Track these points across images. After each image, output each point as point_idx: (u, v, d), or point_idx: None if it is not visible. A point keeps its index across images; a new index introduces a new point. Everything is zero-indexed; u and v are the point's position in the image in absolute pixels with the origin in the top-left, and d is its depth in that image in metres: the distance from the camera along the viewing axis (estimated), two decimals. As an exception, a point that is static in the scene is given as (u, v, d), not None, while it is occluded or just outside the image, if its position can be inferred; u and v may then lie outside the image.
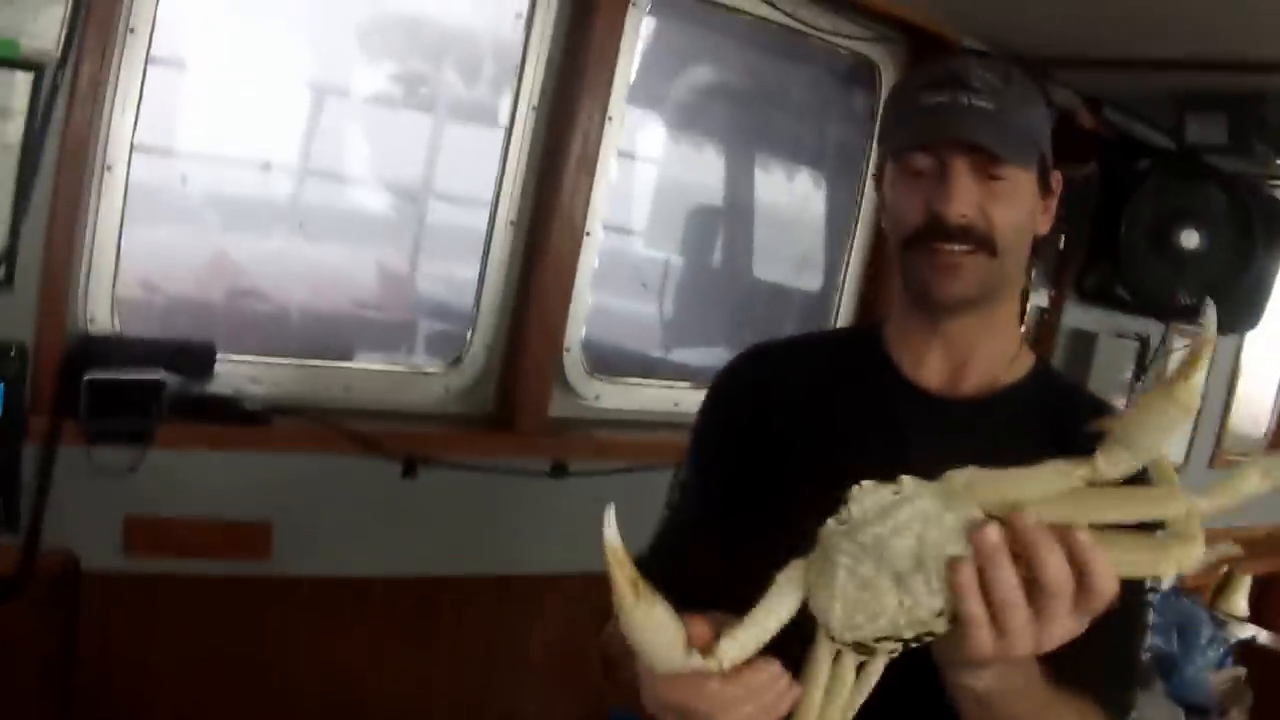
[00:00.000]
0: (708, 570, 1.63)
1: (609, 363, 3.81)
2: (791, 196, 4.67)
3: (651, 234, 4.59)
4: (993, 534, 1.20)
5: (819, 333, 2.50)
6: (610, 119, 3.51)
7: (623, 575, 1.27)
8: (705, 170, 4.55)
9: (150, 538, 2.90)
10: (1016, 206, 1.76)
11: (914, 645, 1.28)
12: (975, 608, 1.22)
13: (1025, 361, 1.91)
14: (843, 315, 4.38)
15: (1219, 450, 6.44)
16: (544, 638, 3.44)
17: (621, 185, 3.75)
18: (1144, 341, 5.24)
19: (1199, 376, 1.22)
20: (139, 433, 2.80)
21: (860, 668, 1.32)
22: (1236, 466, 1.24)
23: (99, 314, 2.89)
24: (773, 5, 3.76)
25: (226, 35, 3.20)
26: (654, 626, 1.29)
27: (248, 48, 3.28)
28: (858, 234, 4.37)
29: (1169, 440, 1.24)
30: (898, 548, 1.23)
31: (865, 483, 1.26)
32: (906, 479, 1.25)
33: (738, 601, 1.36)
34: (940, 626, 1.25)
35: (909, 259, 1.80)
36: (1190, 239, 4.64)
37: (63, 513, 2.75)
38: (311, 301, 3.56)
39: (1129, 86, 4.37)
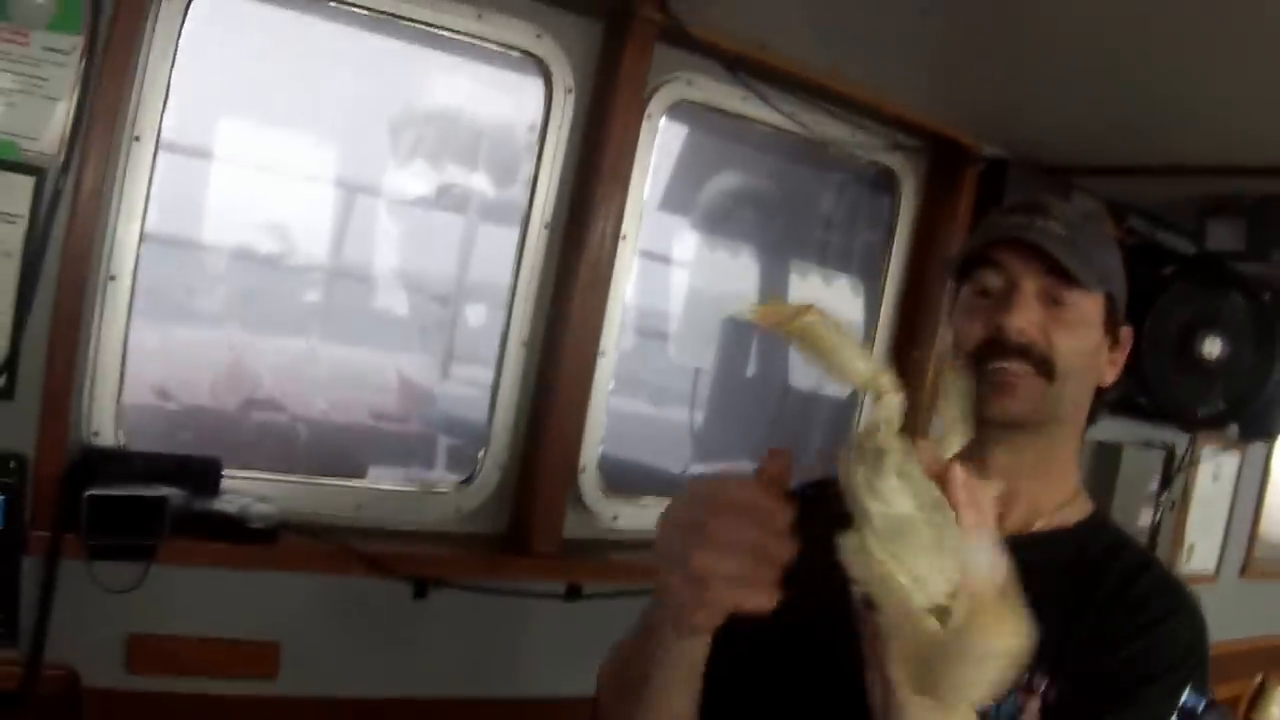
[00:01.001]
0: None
1: (628, 481, 3.69)
2: (827, 304, 4.60)
3: (683, 342, 4.53)
4: None
5: None
6: (624, 237, 3.42)
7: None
8: (739, 277, 4.49)
9: (153, 656, 2.80)
10: (1079, 334, 1.75)
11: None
12: None
13: (1078, 510, 1.85)
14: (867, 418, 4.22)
15: (1250, 560, 6.32)
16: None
17: (655, 293, 3.65)
18: (1169, 451, 5.14)
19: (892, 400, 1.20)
20: (142, 549, 2.70)
21: None
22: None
23: (102, 426, 2.80)
24: (791, 118, 3.69)
25: (255, 130, 3.16)
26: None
27: (276, 143, 3.24)
28: (878, 339, 4.26)
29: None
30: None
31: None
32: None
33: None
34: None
35: (972, 380, 1.77)
36: (1213, 347, 4.54)
37: (64, 628, 2.65)
38: (327, 414, 3.49)
39: (1151, 194, 4.31)
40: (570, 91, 3.32)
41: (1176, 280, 4.54)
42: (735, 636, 1.38)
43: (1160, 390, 4.63)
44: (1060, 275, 1.72)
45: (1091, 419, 1.89)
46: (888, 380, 1.21)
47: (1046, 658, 1.36)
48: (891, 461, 1.16)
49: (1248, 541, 6.30)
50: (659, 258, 3.72)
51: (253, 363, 3.36)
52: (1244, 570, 6.28)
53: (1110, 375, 1.86)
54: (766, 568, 1.26)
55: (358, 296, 3.64)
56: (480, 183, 3.72)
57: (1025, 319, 1.71)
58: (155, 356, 2.89)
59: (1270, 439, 5.38)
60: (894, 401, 1.19)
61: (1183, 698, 1.66)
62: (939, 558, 1.14)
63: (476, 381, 3.74)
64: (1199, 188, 4.04)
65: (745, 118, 3.69)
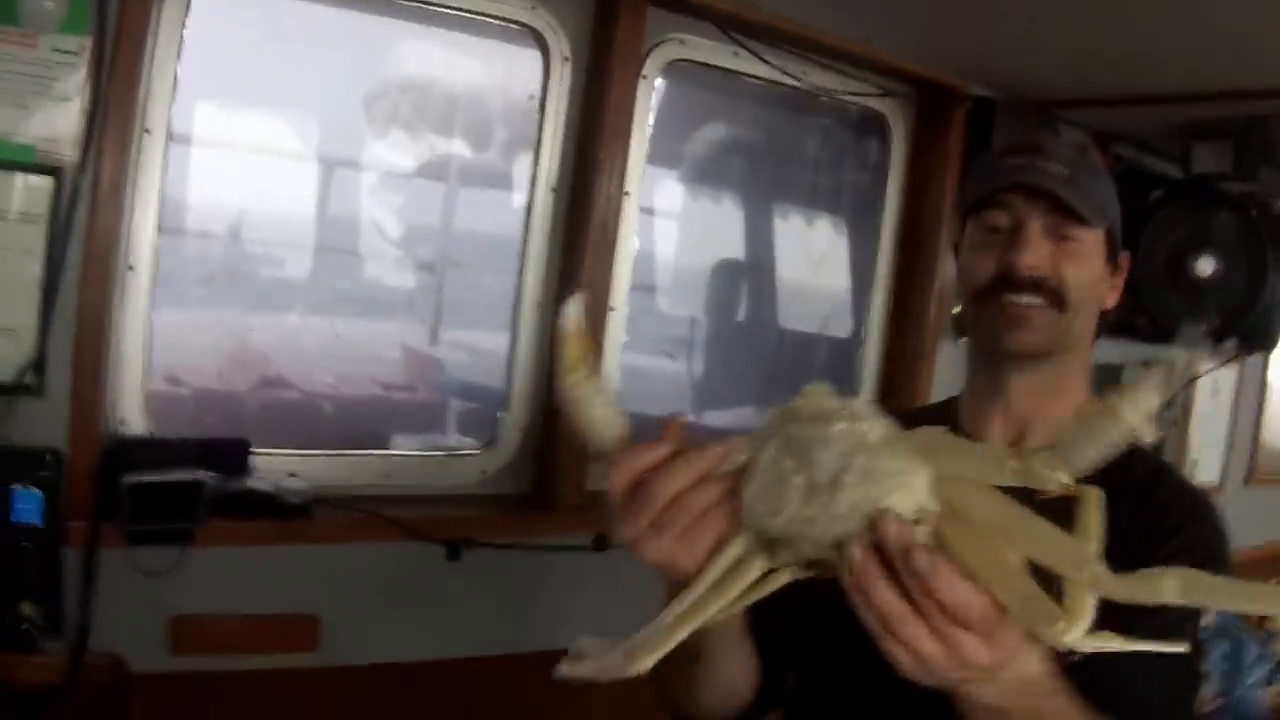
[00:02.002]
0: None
1: (643, 431, 3.68)
2: (812, 246, 4.60)
3: (675, 293, 4.54)
4: (859, 556, 1.17)
5: (905, 410, 2.47)
6: (628, 194, 3.45)
7: (574, 350, 1.30)
8: (726, 226, 4.49)
9: (196, 637, 2.82)
10: (1087, 266, 1.80)
11: (814, 575, 1.24)
12: (863, 612, 1.19)
13: None
14: (870, 360, 4.29)
15: (1254, 469, 6.35)
16: (599, 707, 3.33)
17: (643, 246, 3.66)
18: (1172, 374, 5.14)
19: (1150, 401, 1.15)
20: (180, 532, 2.73)
21: (763, 578, 1.26)
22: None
23: (130, 415, 2.82)
24: (782, 70, 3.69)
25: (233, 116, 3.15)
26: (592, 404, 1.32)
27: (256, 128, 3.23)
28: (878, 281, 4.28)
29: (1101, 455, 1.15)
30: (820, 458, 1.19)
31: (821, 386, 1.25)
32: (860, 402, 1.23)
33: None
34: (835, 560, 1.20)
35: (980, 311, 1.85)
36: (1205, 266, 4.55)
37: (108, 616, 2.67)
38: (339, 387, 3.50)
39: (1135, 122, 4.33)
40: (567, 60, 3.34)
41: (1166, 204, 4.55)
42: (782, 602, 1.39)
43: (1157, 311, 4.65)
44: (1064, 213, 1.77)
45: (1098, 334, 1.94)
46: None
47: None
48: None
49: (1250, 451, 6.33)
50: (645, 210, 3.71)
51: (255, 342, 3.36)
52: (1248, 479, 6.31)
53: (1112, 299, 1.91)
54: (708, 515, 1.26)
55: (348, 269, 3.64)
56: (460, 149, 3.71)
57: (1035, 255, 1.76)
58: (161, 344, 2.88)
59: (1266, 351, 5.39)
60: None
61: None
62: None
63: (471, 345, 3.75)
64: (1182, 113, 4.07)
65: (738, 73, 3.70)
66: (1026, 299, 1.76)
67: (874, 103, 4.08)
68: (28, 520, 2.52)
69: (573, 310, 1.30)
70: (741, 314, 4.63)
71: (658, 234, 4.39)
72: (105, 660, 2.68)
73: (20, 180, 2.53)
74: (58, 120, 2.54)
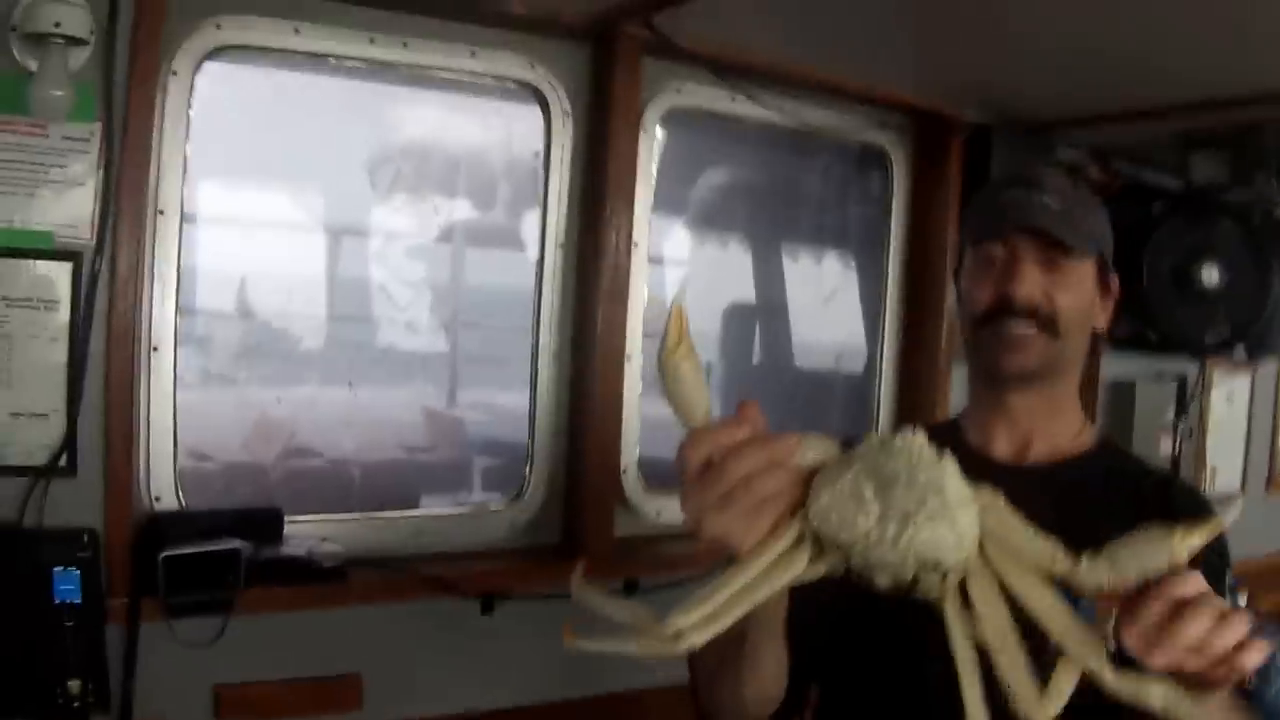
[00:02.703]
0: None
1: (667, 477, 3.71)
2: (822, 284, 4.63)
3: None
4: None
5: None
6: (636, 245, 3.49)
7: (677, 328, 1.33)
8: (735, 270, 4.51)
9: (240, 704, 2.84)
10: (1077, 293, 1.93)
11: (855, 581, 1.35)
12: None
13: (1090, 436, 2.04)
14: (884, 394, 4.31)
15: (1273, 475, 6.33)
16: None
17: (653, 294, 3.68)
18: (1181, 381, 5.16)
19: (1198, 541, 1.27)
20: (218, 602, 2.74)
21: (807, 568, 1.36)
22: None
23: (163, 491, 2.85)
24: (779, 110, 3.74)
25: (239, 192, 3.18)
26: (686, 380, 1.34)
27: (263, 202, 3.26)
28: (888, 312, 4.31)
29: (1146, 573, 1.28)
30: (899, 494, 1.30)
31: (920, 435, 1.34)
32: (949, 459, 1.33)
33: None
34: (880, 584, 1.34)
35: (979, 337, 1.97)
36: (1211, 275, 4.58)
37: (152, 688, 2.69)
38: (364, 452, 3.52)
39: (1132, 137, 4.34)
40: (568, 115, 3.38)
41: (1168, 216, 4.58)
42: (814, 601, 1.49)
43: (1165, 323, 4.67)
44: (1057, 245, 1.89)
45: (1094, 356, 2.03)
46: None
47: None
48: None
49: (1269, 457, 6.31)
50: (654, 260, 3.74)
51: (277, 413, 3.38)
52: (1269, 485, 6.29)
53: (1103, 321, 2.03)
54: (761, 476, 1.31)
55: (363, 336, 3.66)
56: (467, 210, 3.74)
57: (1029, 285, 1.88)
58: (185, 420, 2.91)
59: (1277, 356, 5.39)
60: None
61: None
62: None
63: (488, 404, 3.77)
64: (1178, 125, 4.07)
65: (736, 118, 3.74)
66: (1022, 327, 1.88)
67: (872, 137, 4.12)
68: (69, 599, 2.55)
69: (680, 293, 1.37)
70: (756, 356, 4.65)
71: (668, 281, 4.41)
72: None
73: (40, 267, 2.58)
74: (73, 206, 2.59)
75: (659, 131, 3.55)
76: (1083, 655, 1.28)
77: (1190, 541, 1.27)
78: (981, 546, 1.34)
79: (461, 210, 3.68)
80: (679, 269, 4.44)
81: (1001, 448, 2.00)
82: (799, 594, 1.47)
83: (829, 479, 1.33)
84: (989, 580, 1.34)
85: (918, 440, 1.34)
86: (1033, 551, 1.32)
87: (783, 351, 4.74)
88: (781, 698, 1.84)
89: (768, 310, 4.66)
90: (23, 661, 2.54)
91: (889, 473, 1.31)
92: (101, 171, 2.61)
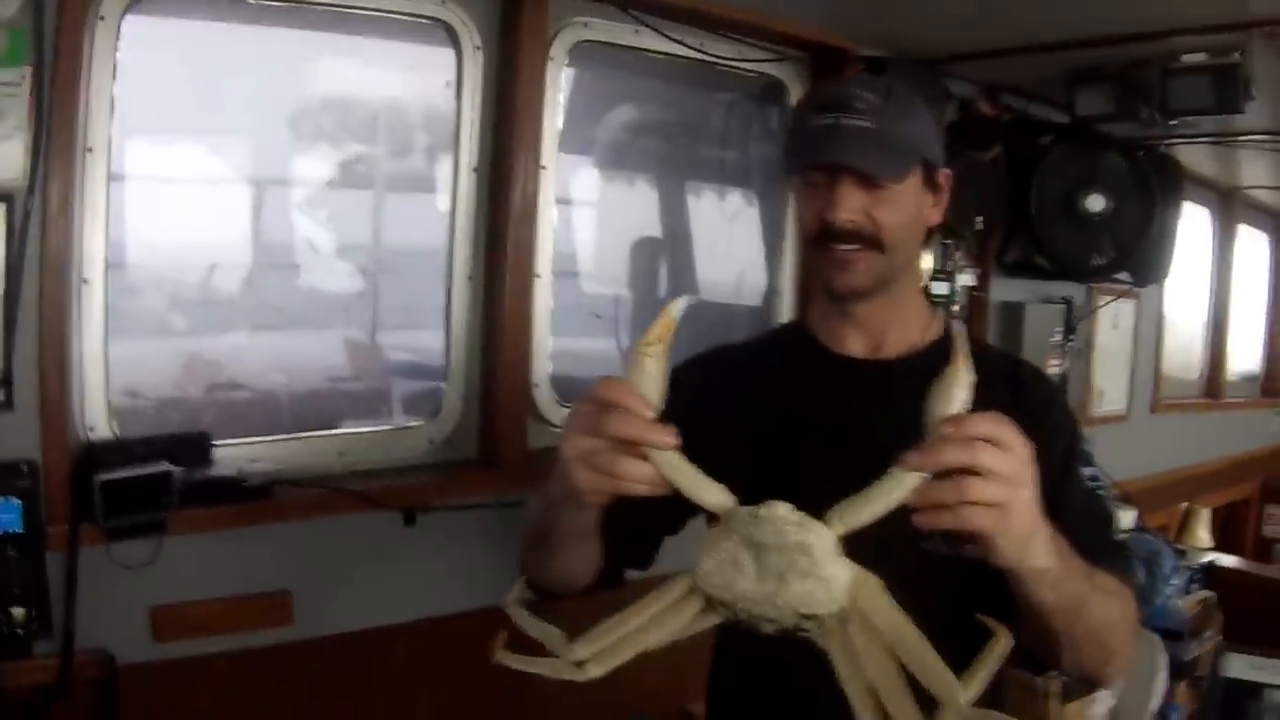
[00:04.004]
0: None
1: (578, 391, 3.80)
2: (724, 217, 4.72)
3: (598, 273, 4.61)
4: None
5: (750, 337, 2.65)
6: (544, 167, 3.56)
7: (660, 327, 1.50)
8: (642, 205, 4.58)
9: (177, 623, 2.89)
10: (899, 209, 1.94)
11: (745, 622, 1.51)
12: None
13: (938, 326, 2.11)
14: (785, 317, 4.42)
15: (1157, 397, 6.56)
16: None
17: (563, 230, 3.77)
18: (1069, 303, 5.34)
19: (963, 381, 1.45)
20: (153, 524, 2.79)
21: (699, 614, 1.55)
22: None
23: (97, 422, 2.88)
24: (681, 43, 3.81)
25: (163, 144, 3.21)
26: (646, 373, 1.50)
27: (186, 152, 3.29)
28: (788, 243, 4.44)
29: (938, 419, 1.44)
30: (771, 557, 1.46)
31: (784, 505, 1.46)
32: (818, 529, 1.45)
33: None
34: (766, 629, 1.50)
35: (812, 258, 2.02)
36: (1096, 203, 4.74)
37: (92, 612, 2.74)
38: (290, 384, 3.57)
39: (1021, 71, 4.45)
40: (479, 49, 3.44)
41: (1054, 147, 4.72)
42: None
43: (1053, 248, 4.83)
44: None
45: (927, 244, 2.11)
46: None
47: None
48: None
49: (1153, 380, 6.53)
50: (563, 201, 3.82)
51: (205, 352, 3.42)
52: (1153, 407, 6.51)
53: (935, 217, 2.05)
54: (629, 458, 1.48)
55: (285, 282, 3.70)
56: (384, 155, 3.78)
57: (848, 208, 1.89)
58: (118, 360, 2.96)
59: (1159, 282, 5.58)
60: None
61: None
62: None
63: (408, 344, 3.83)
64: (1064, 61, 4.18)
65: (641, 50, 3.82)
66: (848, 248, 1.92)
67: (771, 69, 4.21)
68: (10, 529, 2.59)
69: (681, 302, 1.52)
70: (662, 289, 4.72)
71: (577, 218, 4.47)
72: (94, 656, 2.74)
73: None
74: (4, 147, 2.59)
75: (566, 66, 3.64)
76: (952, 698, 1.41)
77: (958, 381, 1.42)
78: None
79: (380, 157, 3.72)
80: (589, 206, 4.50)
81: (855, 347, 2.05)
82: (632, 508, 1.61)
83: (711, 546, 1.49)
84: (864, 625, 1.47)
85: (782, 508, 1.45)
86: (893, 638, 1.45)
87: (688, 283, 4.82)
88: (592, 579, 1.97)
89: (672, 244, 4.74)
90: None
91: (759, 539, 1.45)
92: (32, 113, 2.62)
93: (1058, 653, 1.76)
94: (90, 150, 2.82)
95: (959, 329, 1.51)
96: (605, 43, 3.73)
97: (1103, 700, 3.87)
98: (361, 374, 3.77)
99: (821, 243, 1.94)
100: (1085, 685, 2.02)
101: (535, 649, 1.58)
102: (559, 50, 3.59)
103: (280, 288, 3.68)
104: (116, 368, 2.94)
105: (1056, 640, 1.71)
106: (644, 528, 1.99)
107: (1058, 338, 5.28)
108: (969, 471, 1.40)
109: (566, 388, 3.73)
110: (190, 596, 2.92)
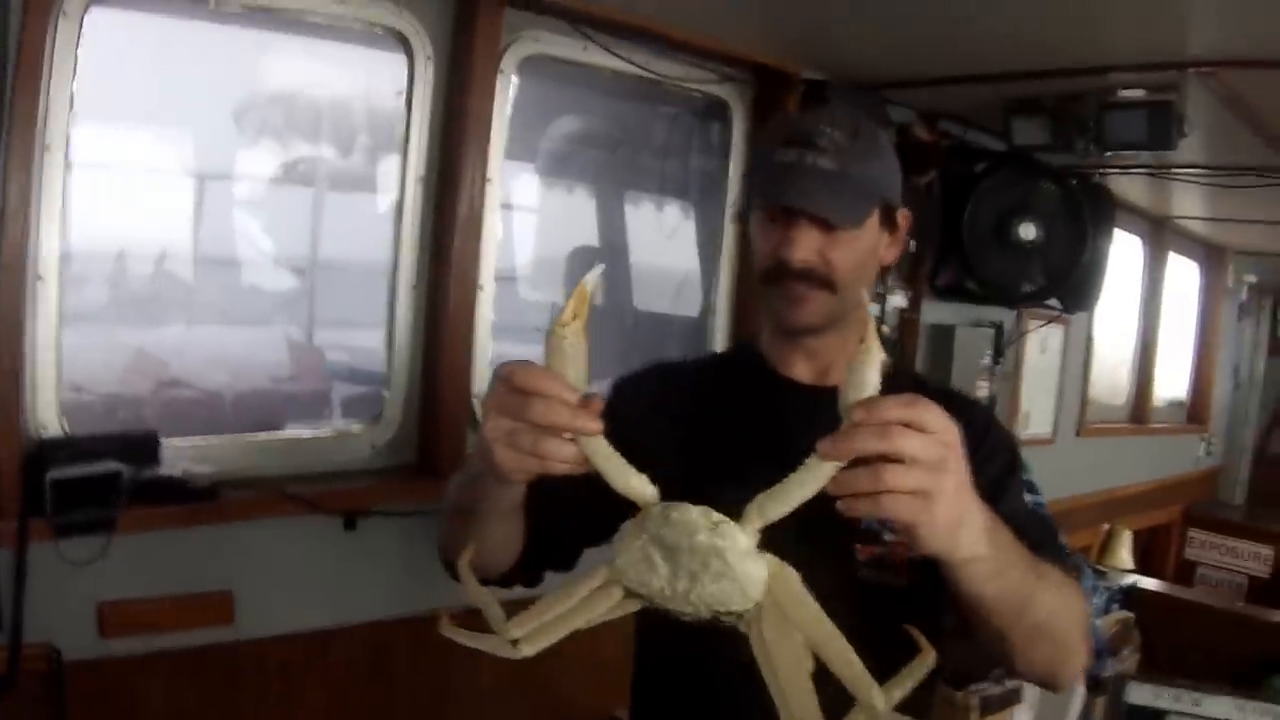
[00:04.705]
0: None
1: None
2: (662, 230, 4.80)
3: (535, 279, 4.68)
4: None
5: (697, 355, 2.73)
6: (490, 180, 3.62)
7: (574, 305, 1.43)
8: (581, 215, 4.65)
9: (122, 620, 2.95)
10: (854, 250, 1.97)
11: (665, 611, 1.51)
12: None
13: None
14: (718, 335, 4.52)
15: (1083, 421, 6.71)
16: (491, 663, 3.50)
17: (504, 236, 3.85)
18: (998, 328, 5.46)
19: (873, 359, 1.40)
20: (102, 522, 2.84)
21: (621, 601, 1.54)
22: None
23: (48, 418, 2.93)
24: (629, 61, 3.90)
25: (111, 135, 3.26)
26: (564, 355, 1.45)
27: (133, 146, 3.33)
28: (723, 259, 4.53)
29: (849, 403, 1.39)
30: (684, 558, 1.45)
31: (696, 508, 1.44)
32: (730, 532, 1.43)
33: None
34: (686, 620, 1.50)
35: (766, 292, 2.01)
36: (1028, 230, 4.88)
37: (40, 608, 2.79)
38: (234, 383, 3.63)
39: (959, 99, 4.56)
40: (430, 59, 3.51)
41: (990, 174, 4.85)
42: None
43: (984, 273, 4.95)
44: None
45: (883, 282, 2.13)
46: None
47: None
48: None
49: (1080, 404, 6.68)
50: (505, 206, 3.89)
51: (151, 348, 3.46)
52: (1079, 431, 6.66)
53: (890, 256, 2.09)
54: (553, 438, 1.46)
55: (226, 278, 3.75)
56: (329, 154, 3.83)
57: (803, 249, 1.93)
58: (67, 355, 3.01)
59: (1088, 309, 5.70)
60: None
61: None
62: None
63: (345, 342, 3.90)
64: (1003, 91, 4.30)
65: (589, 66, 3.89)
66: (800, 288, 1.94)
67: (715, 89, 4.30)
68: (-41, 521, 2.61)
69: (595, 273, 1.48)
70: (599, 297, 4.80)
71: (517, 225, 4.53)
72: (41, 650, 2.79)
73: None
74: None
75: (514, 78, 3.72)
76: (865, 694, 1.39)
77: (868, 362, 1.37)
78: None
79: (324, 155, 3.78)
80: (530, 213, 4.58)
81: (802, 373, 2.08)
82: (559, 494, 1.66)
83: (627, 541, 1.49)
84: (780, 619, 1.46)
85: (693, 511, 1.44)
86: (810, 634, 1.44)
87: (624, 293, 4.89)
88: (507, 570, 1.96)
89: (610, 254, 4.82)
90: None
91: (671, 541, 1.44)
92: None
93: (1009, 654, 1.73)
94: (48, 148, 2.86)
95: (868, 315, 1.48)
96: (555, 57, 3.80)
97: (1021, 714, 4.00)
98: (302, 374, 3.83)
99: (774, 279, 1.96)
100: (1046, 688, 1.98)
101: (476, 627, 1.57)
102: (509, 63, 3.67)
103: (222, 284, 3.74)
104: (64, 361, 2.99)
105: (1004, 639, 1.68)
106: (567, 528, 1.98)
107: (987, 360, 5.39)
108: (887, 458, 1.35)
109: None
110: (135, 594, 2.97)
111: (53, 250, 2.92)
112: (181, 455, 3.15)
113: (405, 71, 3.53)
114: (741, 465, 1.65)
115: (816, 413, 1.48)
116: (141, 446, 3.04)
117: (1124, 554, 6.23)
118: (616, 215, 4.81)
